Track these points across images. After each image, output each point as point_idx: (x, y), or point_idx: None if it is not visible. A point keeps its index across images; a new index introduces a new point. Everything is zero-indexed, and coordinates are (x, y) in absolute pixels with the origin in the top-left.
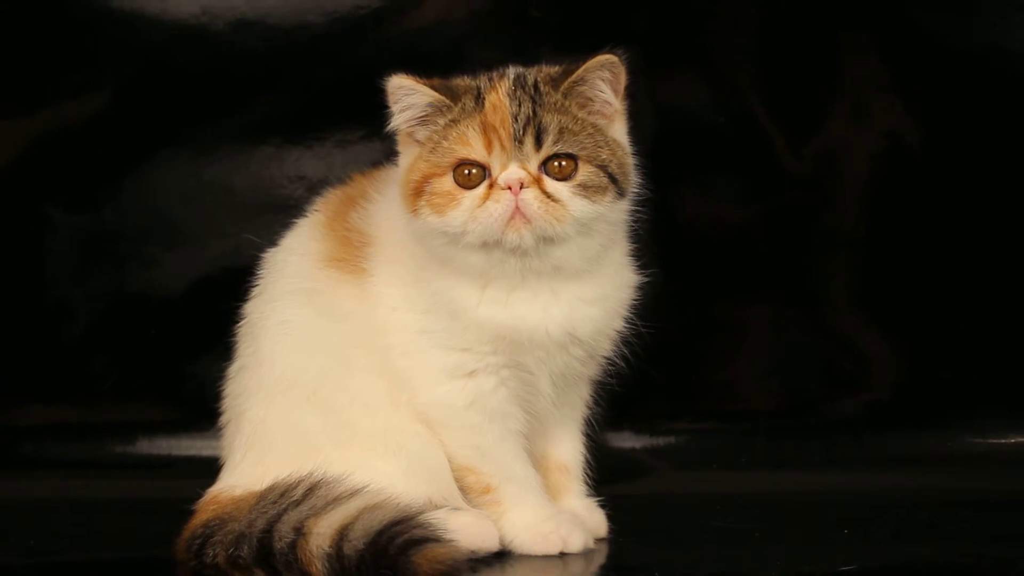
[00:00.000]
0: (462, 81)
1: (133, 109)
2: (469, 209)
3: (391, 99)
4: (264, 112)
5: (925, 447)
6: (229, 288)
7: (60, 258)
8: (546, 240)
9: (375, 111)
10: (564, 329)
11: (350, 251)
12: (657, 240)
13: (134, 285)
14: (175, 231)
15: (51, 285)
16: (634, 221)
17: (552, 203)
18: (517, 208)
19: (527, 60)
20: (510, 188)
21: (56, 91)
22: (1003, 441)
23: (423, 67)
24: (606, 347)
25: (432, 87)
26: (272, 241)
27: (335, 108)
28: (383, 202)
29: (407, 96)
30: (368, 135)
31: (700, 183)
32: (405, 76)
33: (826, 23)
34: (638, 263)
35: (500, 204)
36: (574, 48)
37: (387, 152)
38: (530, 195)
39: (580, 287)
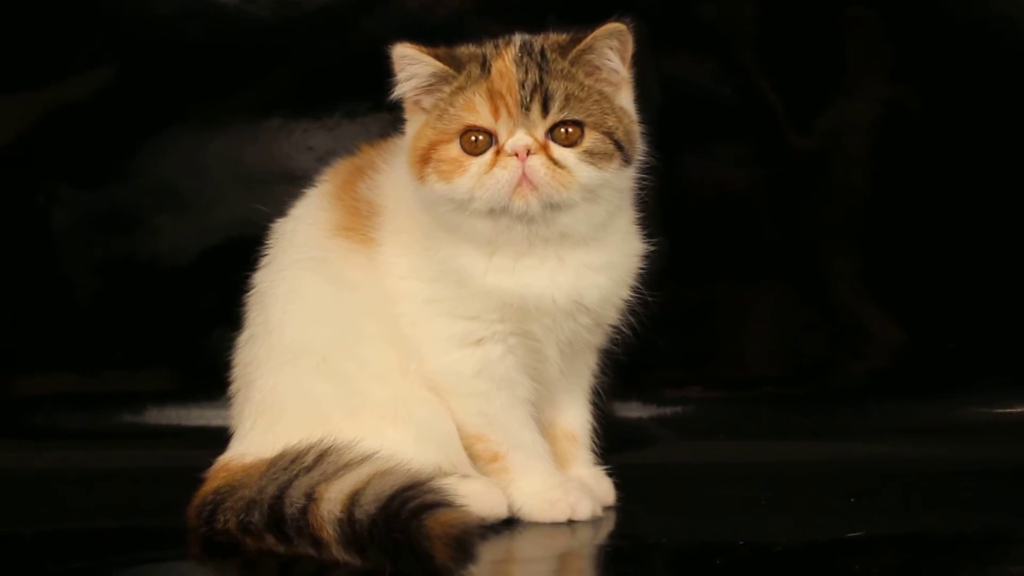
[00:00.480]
0: (466, 49)
1: (141, 83)
2: (476, 176)
3: (396, 68)
4: (272, 85)
5: (929, 417)
6: (238, 258)
7: (68, 231)
8: (552, 206)
9: (383, 82)
10: (570, 297)
11: (358, 221)
12: (663, 209)
13: (143, 256)
14: (184, 203)
15: (60, 258)
16: (640, 189)
17: (559, 169)
18: (524, 175)
19: (533, 32)
20: (517, 155)
21: (64, 66)
22: (1007, 411)
23: (429, 38)
24: (612, 315)
25: (435, 56)
26: (281, 211)
27: (343, 80)
28: (391, 172)
29: (411, 65)
30: (376, 106)
31: (705, 153)
32: (409, 45)
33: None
34: (644, 232)
35: (507, 171)
36: (580, 20)
37: (395, 122)
38: (537, 161)
39: (587, 254)
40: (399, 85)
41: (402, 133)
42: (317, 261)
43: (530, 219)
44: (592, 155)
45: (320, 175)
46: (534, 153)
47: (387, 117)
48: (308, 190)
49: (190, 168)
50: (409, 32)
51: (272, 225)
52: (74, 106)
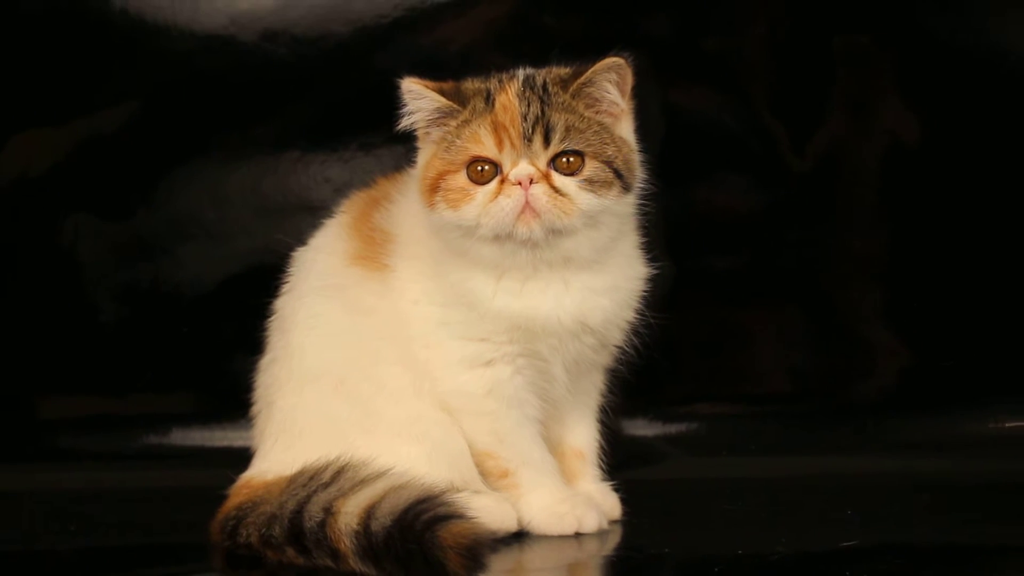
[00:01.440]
0: (471, 83)
1: (164, 117)
2: (482, 204)
3: (404, 100)
4: (291, 118)
5: (929, 433)
6: (259, 285)
7: (95, 260)
8: (555, 232)
9: (396, 116)
10: (575, 318)
11: (373, 249)
12: (668, 233)
13: (167, 283)
14: (206, 233)
15: (86, 285)
16: (644, 215)
17: (560, 197)
18: (527, 202)
19: (540, 66)
20: (520, 184)
21: (90, 100)
22: (1005, 426)
23: (440, 72)
24: (617, 336)
25: (440, 91)
26: (300, 240)
27: (358, 114)
28: (404, 203)
29: (416, 100)
30: (390, 139)
31: (709, 180)
32: (415, 81)
33: (828, 25)
34: (648, 255)
35: (511, 199)
36: (586, 54)
37: (408, 154)
38: (539, 190)
39: (591, 278)
40: (406, 117)
41: (415, 165)
42: (335, 288)
43: (534, 244)
44: (592, 183)
45: (338, 207)
46: (536, 182)
47: (401, 149)
48: (327, 220)
49: (212, 200)
50: (421, 67)
51: (292, 254)
52: (101, 139)
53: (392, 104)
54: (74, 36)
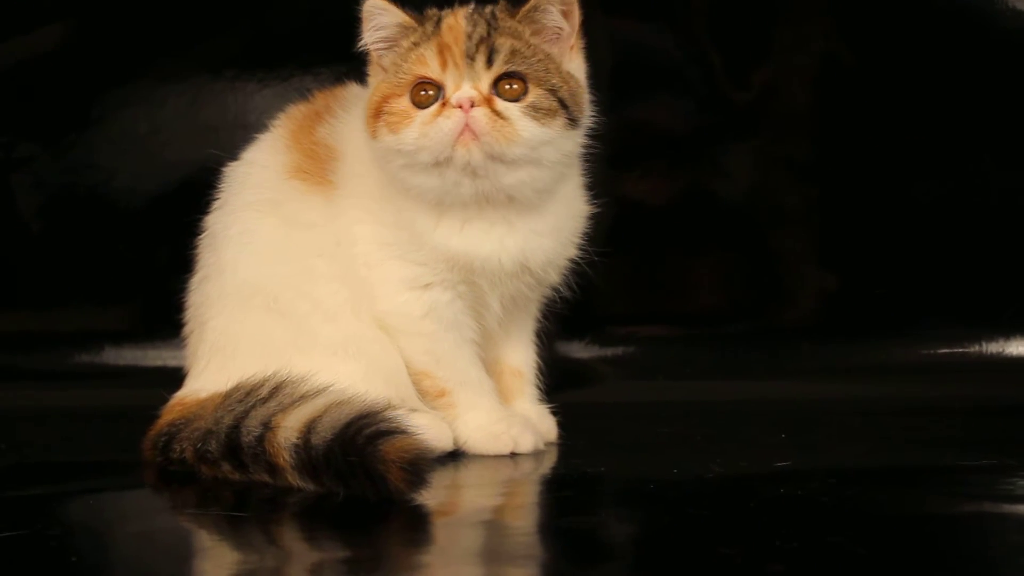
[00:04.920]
0: (431, 11)
1: (101, 35)
2: (420, 125)
3: (365, 19)
4: (229, 37)
5: (860, 358)
6: (193, 203)
7: (30, 177)
8: (495, 158)
9: (338, 34)
10: (517, 260)
11: (316, 164)
12: (609, 160)
13: (102, 202)
14: (141, 150)
15: (19, 202)
16: (589, 154)
17: (501, 121)
18: (467, 125)
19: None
20: (461, 106)
21: (26, 19)
22: (932, 352)
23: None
24: (555, 277)
25: (401, 9)
26: (234, 156)
27: (298, 32)
28: (348, 119)
29: (379, 15)
30: (330, 57)
31: (650, 106)
32: None
33: None
34: (591, 192)
35: (451, 120)
36: None
37: (350, 72)
38: (480, 112)
39: (535, 219)
40: (367, 34)
41: (357, 80)
42: (271, 203)
43: (473, 171)
44: (536, 110)
45: (273, 120)
46: (478, 105)
47: (342, 68)
48: (260, 135)
49: (148, 118)
50: None
51: (224, 169)
52: (38, 57)
53: (333, 23)
54: None
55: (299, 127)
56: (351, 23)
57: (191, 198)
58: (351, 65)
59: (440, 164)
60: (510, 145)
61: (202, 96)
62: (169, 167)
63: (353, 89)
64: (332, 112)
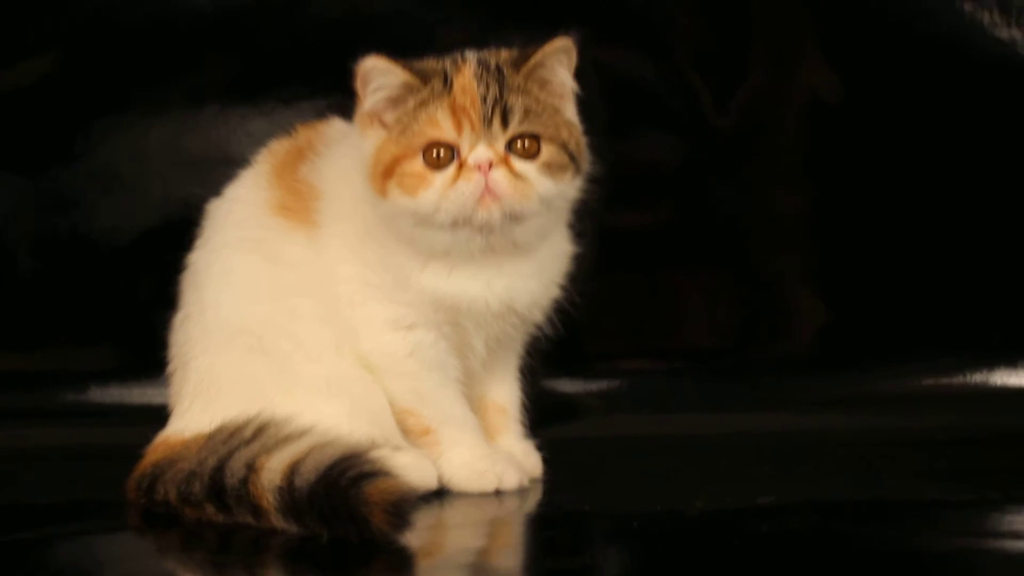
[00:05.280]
0: (429, 63)
1: (83, 69)
2: (441, 188)
3: (363, 80)
4: (211, 71)
5: (846, 390)
6: (177, 240)
7: (11, 213)
8: (513, 217)
9: (319, 69)
10: (503, 302)
11: (300, 202)
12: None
13: (85, 238)
14: (124, 187)
15: (2, 239)
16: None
17: (519, 181)
18: (487, 187)
19: (467, 21)
20: (480, 168)
21: (7, 53)
22: (917, 382)
23: (368, 28)
24: (539, 316)
25: (405, 68)
26: (217, 193)
27: (280, 67)
28: (332, 157)
29: (381, 76)
30: (312, 92)
31: (630, 138)
32: (379, 57)
33: None
34: (574, 229)
35: (471, 183)
36: (509, 9)
37: (330, 107)
38: (500, 174)
39: (521, 261)
40: (367, 97)
41: (338, 115)
42: (253, 240)
43: (490, 229)
44: (550, 167)
45: (255, 156)
46: (496, 166)
47: (323, 103)
48: (243, 171)
49: (131, 153)
50: (345, 23)
51: (206, 206)
52: (20, 91)
53: (316, 56)
54: None
55: (282, 164)
56: (335, 57)
57: (174, 235)
58: (333, 99)
59: (458, 224)
60: (528, 203)
61: (185, 131)
62: (152, 203)
63: (336, 125)
64: (315, 149)
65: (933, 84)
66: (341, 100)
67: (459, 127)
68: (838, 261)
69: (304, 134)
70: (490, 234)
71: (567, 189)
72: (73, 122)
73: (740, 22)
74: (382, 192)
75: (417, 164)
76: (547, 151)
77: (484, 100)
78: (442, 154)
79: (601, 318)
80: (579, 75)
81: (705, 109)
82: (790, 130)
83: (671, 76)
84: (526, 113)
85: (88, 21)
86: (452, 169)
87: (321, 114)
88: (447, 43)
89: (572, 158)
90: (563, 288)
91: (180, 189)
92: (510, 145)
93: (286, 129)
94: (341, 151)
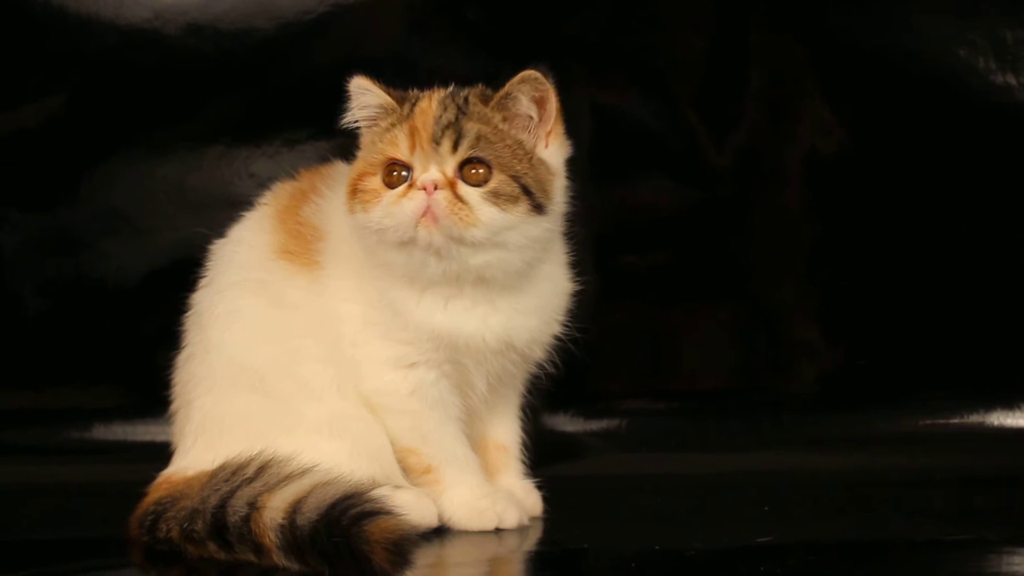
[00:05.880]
0: (412, 92)
1: (88, 111)
2: (386, 205)
3: (351, 98)
4: (215, 113)
5: (847, 431)
6: (182, 280)
7: (18, 254)
8: (455, 240)
9: (322, 112)
10: (501, 338)
11: (302, 244)
12: (591, 233)
13: (91, 278)
14: (130, 227)
15: (9, 279)
16: (571, 224)
17: (461, 205)
18: (428, 207)
19: (466, 64)
20: (425, 188)
21: (13, 95)
22: (914, 423)
23: (365, 69)
24: (540, 354)
25: (385, 90)
26: (221, 234)
27: (283, 109)
28: (334, 198)
29: (362, 95)
30: (315, 134)
31: (631, 180)
32: (364, 78)
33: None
34: (575, 268)
35: (413, 202)
36: (509, 52)
37: (334, 150)
38: (441, 196)
39: (517, 298)
40: (352, 112)
41: (341, 158)
42: (257, 282)
43: (437, 252)
44: (497, 196)
45: (260, 198)
46: (441, 188)
47: (325, 145)
48: (247, 212)
49: (136, 194)
50: (348, 65)
51: (210, 247)
52: (26, 133)
53: (317, 100)
54: None
55: (285, 206)
56: (337, 100)
57: (179, 275)
58: (336, 142)
59: (406, 243)
60: (468, 228)
61: (190, 172)
62: (157, 243)
63: (339, 167)
64: (318, 191)
65: (932, 126)
66: (344, 142)
67: (413, 148)
68: (839, 302)
69: (307, 177)
70: (440, 257)
71: (521, 224)
72: (79, 163)
73: (738, 62)
74: (350, 208)
75: (376, 181)
76: (497, 180)
77: (437, 122)
78: (398, 174)
79: (602, 357)
80: (573, 117)
81: (705, 149)
82: (790, 172)
83: (671, 116)
84: (478, 139)
85: (94, 64)
86: (402, 188)
87: (324, 156)
88: (446, 86)
89: (526, 191)
90: (564, 325)
91: (185, 230)
92: (461, 170)
93: (289, 171)
94: (342, 191)
